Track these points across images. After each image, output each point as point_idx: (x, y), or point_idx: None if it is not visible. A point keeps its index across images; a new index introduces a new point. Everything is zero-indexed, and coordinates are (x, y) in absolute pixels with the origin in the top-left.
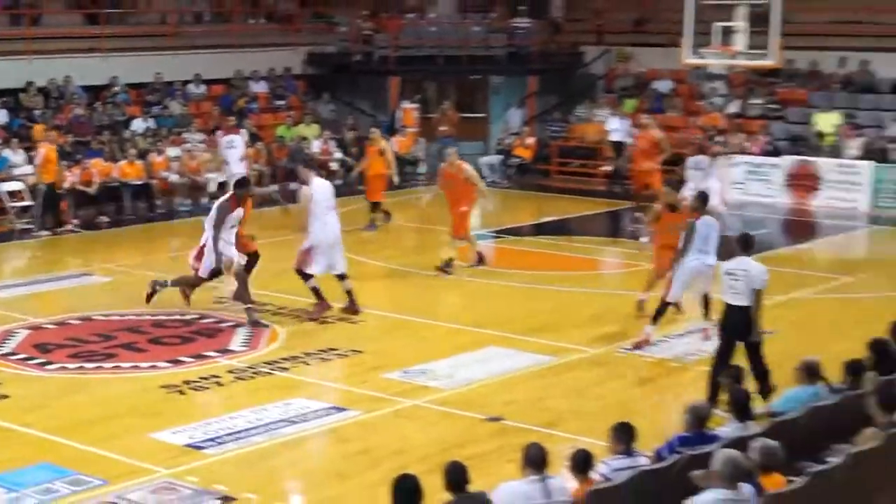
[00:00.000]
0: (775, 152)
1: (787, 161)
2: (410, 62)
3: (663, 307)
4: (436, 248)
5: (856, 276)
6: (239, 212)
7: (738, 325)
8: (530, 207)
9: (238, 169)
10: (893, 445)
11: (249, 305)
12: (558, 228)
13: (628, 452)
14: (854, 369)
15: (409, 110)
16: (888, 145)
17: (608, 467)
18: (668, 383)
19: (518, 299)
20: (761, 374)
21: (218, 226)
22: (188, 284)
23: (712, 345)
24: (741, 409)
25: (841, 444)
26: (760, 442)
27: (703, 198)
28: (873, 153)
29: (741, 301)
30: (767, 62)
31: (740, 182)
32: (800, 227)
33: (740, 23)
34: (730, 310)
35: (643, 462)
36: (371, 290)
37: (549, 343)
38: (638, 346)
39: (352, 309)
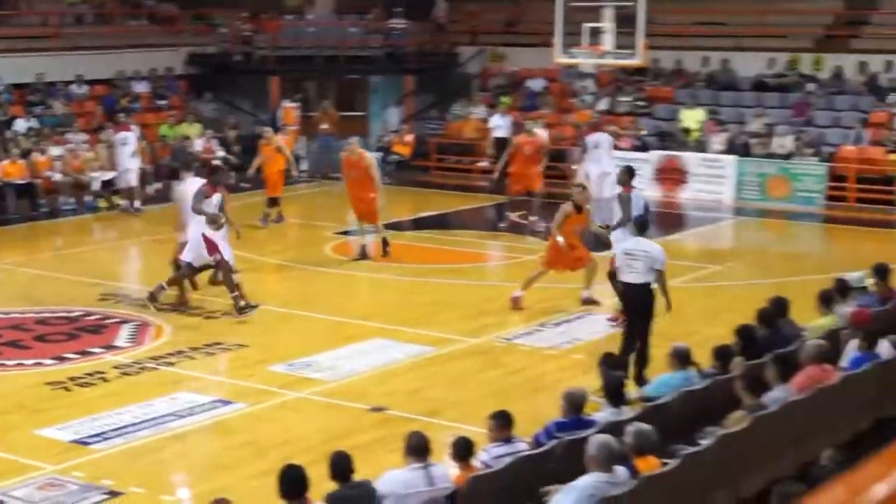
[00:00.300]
0: (644, 147)
1: (655, 156)
2: (290, 62)
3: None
4: (320, 243)
5: (723, 266)
6: (217, 197)
7: (638, 303)
8: (410, 203)
9: (130, 165)
10: (760, 427)
11: (236, 293)
12: (438, 223)
13: (507, 439)
14: (722, 354)
15: (289, 109)
16: (750, 140)
17: (488, 454)
18: (544, 371)
19: (400, 292)
20: (643, 359)
21: (198, 210)
22: (181, 281)
23: (587, 333)
24: (615, 395)
25: (711, 426)
26: (635, 426)
27: (630, 171)
28: (736, 147)
29: (640, 279)
30: (634, 61)
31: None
32: (669, 219)
33: (608, 24)
34: (630, 288)
35: (522, 448)
36: (256, 285)
37: (431, 334)
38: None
39: (242, 300)
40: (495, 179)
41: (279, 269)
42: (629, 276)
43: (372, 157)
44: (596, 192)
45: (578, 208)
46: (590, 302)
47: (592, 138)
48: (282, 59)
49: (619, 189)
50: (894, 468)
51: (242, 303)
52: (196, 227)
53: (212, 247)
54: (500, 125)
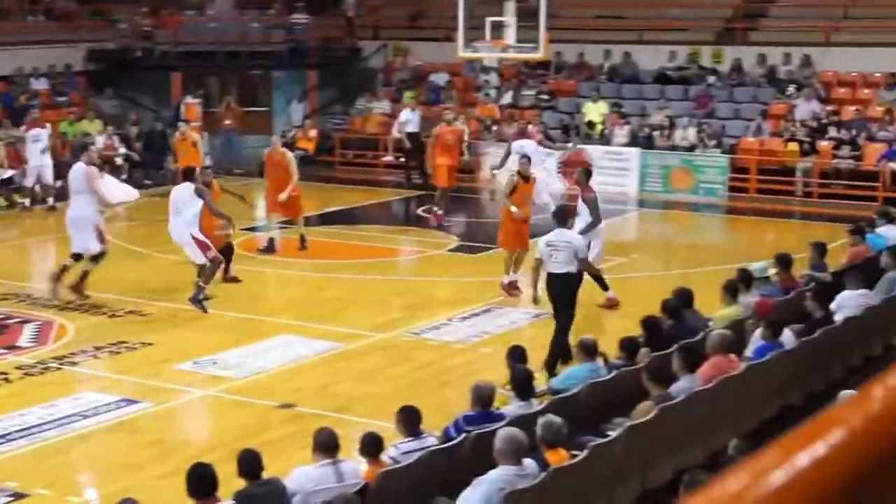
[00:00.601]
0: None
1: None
2: (191, 58)
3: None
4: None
5: (628, 258)
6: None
7: (563, 293)
8: (315, 198)
9: (42, 162)
10: (667, 417)
11: (204, 285)
12: (344, 218)
13: (416, 434)
14: (629, 346)
15: (191, 105)
16: (653, 132)
17: (397, 450)
18: (452, 365)
19: (307, 288)
20: (563, 348)
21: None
22: (212, 274)
23: (495, 326)
24: (524, 388)
25: (619, 417)
26: (544, 419)
27: (587, 173)
28: (639, 140)
29: (563, 269)
30: (536, 55)
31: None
32: (574, 212)
33: (510, 17)
34: (555, 279)
35: (431, 442)
36: (160, 283)
37: (338, 330)
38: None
39: (77, 289)
40: (427, 174)
41: (185, 266)
42: (553, 267)
43: (292, 155)
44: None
45: (525, 178)
46: (512, 287)
47: (518, 144)
48: (183, 55)
49: (546, 198)
50: (794, 454)
51: (202, 296)
52: (185, 228)
53: (203, 246)
54: (410, 120)
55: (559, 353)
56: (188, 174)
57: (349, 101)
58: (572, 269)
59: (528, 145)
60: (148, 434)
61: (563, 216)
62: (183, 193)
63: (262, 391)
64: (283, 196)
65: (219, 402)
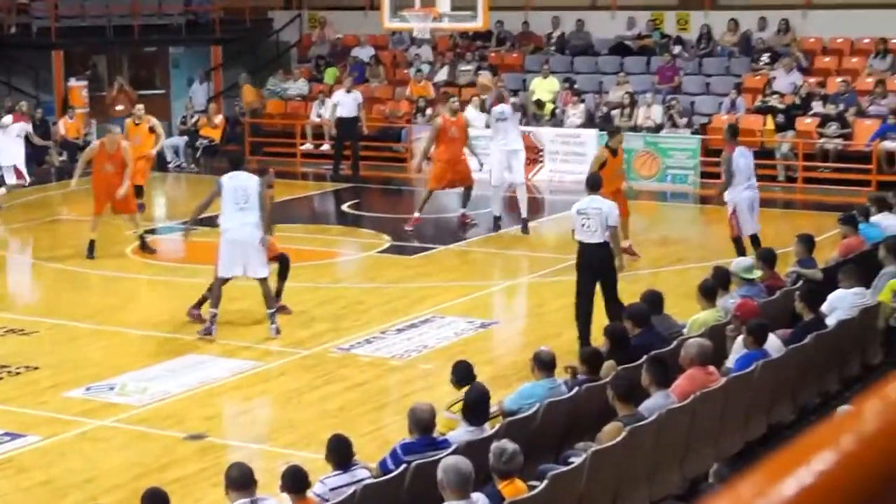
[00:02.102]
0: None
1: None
2: (75, 34)
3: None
4: (118, 245)
5: None
6: None
7: (595, 263)
8: None
9: None
10: (637, 440)
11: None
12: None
13: (347, 467)
14: (591, 359)
15: (76, 88)
16: (611, 111)
17: (325, 486)
18: (388, 384)
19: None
20: (617, 312)
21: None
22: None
23: (436, 338)
24: (476, 410)
25: (582, 441)
26: (496, 445)
27: (733, 130)
28: (596, 120)
29: (596, 238)
30: (475, 24)
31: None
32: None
33: None
34: (587, 248)
35: (364, 476)
36: (43, 296)
37: (255, 346)
38: None
39: None
40: (416, 169)
41: (71, 276)
42: (585, 236)
43: (129, 146)
44: (498, 177)
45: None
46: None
47: (497, 109)
48: (65, 31)
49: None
50: (779, 482)
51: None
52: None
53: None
54: (344, 102)
55: (618, 315)
56: (237, 163)
57: (260, 81)
58: (605, 237)
59: (506, 110)
60: (35, 473)
61: (595, 183)
62: (252, 187)
63: (169, 420)
64: (122, 192)
65: (118, 434)
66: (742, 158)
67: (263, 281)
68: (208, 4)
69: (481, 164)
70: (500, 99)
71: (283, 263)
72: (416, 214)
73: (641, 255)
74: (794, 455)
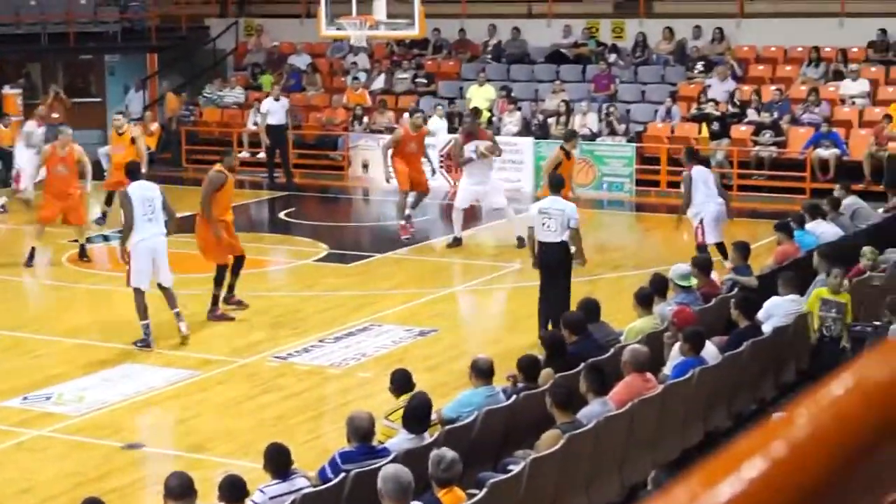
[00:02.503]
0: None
1: (442, 140)
2: (9, 41)
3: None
4: (54, 253)
5: (523, 264)
6: None
7: (553, 263)
8: None
9: None
10: (575, 448)
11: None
12: (193, 225)
13: (285, 475)
14: (528, 366)
15: (10, 96)
16: (547, 119)
17: (263, 495)
18: (326, 393)
19: (153, 308)
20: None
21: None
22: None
23: (374, 346)
24: (416, 418)
25: (521, 449)
26: (435, 453)
27: (690, 151)
28: (532, 128)
29: (555, 238)
30: (411, 32)
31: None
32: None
33: None
34: (546, 247)
35: (303, 485)
36: None
37: (192, 355)
38: None
39: None
40: (386, 180)
41: (6, 285)
42: (544, 236)
43: (82, 149)
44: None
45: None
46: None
47: (471, 147)
48: None
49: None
50: (712, 486)
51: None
52: None
53: None
54: (273, 110)
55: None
56: (135, 173)
57: (196, 90)
58: (565, 237)
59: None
60: None
61: (558, 184)
62: (157, 196)
63: (106, 429)
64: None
65: (54, 444)
66: (700, 177)
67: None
68: (144, 12)
69: (434, 171)
70: (471, 136)
71: (238, 262)
72: (402, 222)
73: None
74: (727, 461)
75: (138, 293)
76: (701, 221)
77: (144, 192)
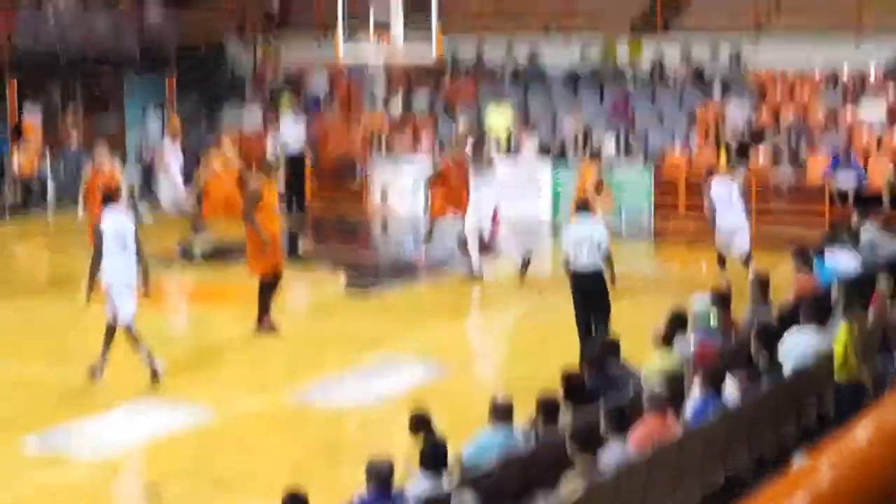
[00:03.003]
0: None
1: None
2: (29, 62)
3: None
4: (71, 283)
5: (541, 296)
6: None
7: (587, 286)
8: (173, 230)
9: None
10: (597, 491)
11: None
12: (216, 254)
13: None
14: (547, 406)
15: (30, 119)
16: (565, 144)
17: None
18: (346, 433)
19: (165, 342)
20: (603, 336)
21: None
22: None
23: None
24: (434, 460)
25: (542, 488)
26: (455, 499)
27: (709, 170)
28: (549, 153)
29: (589, 261)
30: (429, 54)
31: (411, 192)
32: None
33: (396, 10)
34: (579, 272)
35: None
36: None
37: (208, 392)
38: None
39: None
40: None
41: (20, 315)
42: (577, 259)
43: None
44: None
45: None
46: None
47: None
48: (18, 59)
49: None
50: None
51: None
52: None
53: None
54: (291, 134)
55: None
56: (110, 199)
57: (215, 112)
58: (599, 262)
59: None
60: None
61: (587, 206)
62: (129, 228)
63: (124, 469)
64: None
65: (73, 485)
66: (718, 187)
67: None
68: (163, 34)
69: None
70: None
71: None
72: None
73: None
74: None
75: (112, 328)
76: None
77: (117, 225)
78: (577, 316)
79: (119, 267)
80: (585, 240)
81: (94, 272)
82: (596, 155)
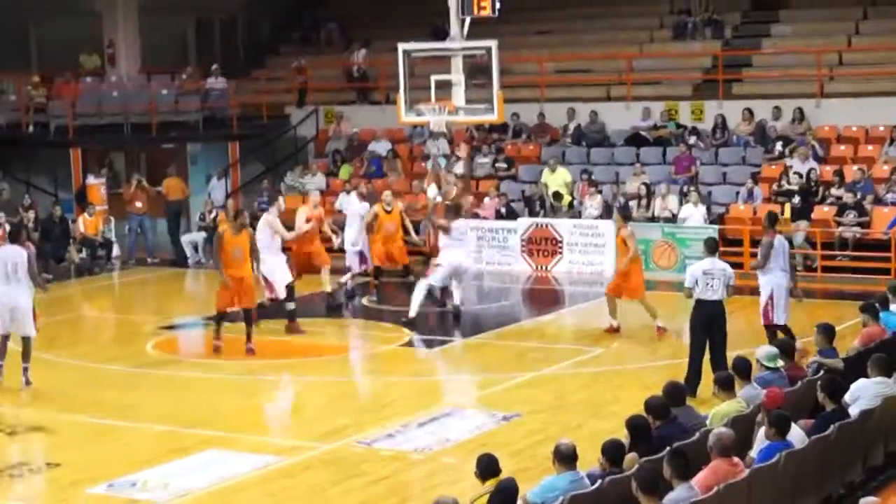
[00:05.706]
0: (510, 215)
1: (523, 224)
2: (92, 132)
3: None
4: (136, 340)
5: (607, 348)
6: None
7: (711, 319)
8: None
9: None
10: None
11: None
12: (274, 312)
13: None
14: (612, 450)
15: (94, 186)
16: (629, 202)
17: None
18: (411, 478)
19: (236, 393)
20: (721, 366)
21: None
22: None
23: (458, 431)
24: None
25: None
26: None
27: (772, 217)
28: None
29: (717, 297)
30: (490, 117)
31: (474, 250)
32: (542, 296)
33: (458, 75)
34: (707, 305)
35: None
36: (64, 393)
37: (277, 441)
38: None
39: None
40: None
41: (93, 372)
42: (707, 294)
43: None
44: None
45: None
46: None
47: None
48: (83, 129)
49: None
50: None
51: None
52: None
53: None
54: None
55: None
56: (14, 236)
57: (278, 177)
58: (724, 296)
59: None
60: None
61: (714, 245)
62: (20, 260)
63: None
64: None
65: None
66: (781, 246)
67: (28, 339)
68: (225, 101)
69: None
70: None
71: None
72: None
73: (669, 329)
74: None
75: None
76: (770, 297)
77: (6, 256)
78: (692, 340)
79: (3, 291)
80: (720, 274)
81: None
82: (626, 213)
